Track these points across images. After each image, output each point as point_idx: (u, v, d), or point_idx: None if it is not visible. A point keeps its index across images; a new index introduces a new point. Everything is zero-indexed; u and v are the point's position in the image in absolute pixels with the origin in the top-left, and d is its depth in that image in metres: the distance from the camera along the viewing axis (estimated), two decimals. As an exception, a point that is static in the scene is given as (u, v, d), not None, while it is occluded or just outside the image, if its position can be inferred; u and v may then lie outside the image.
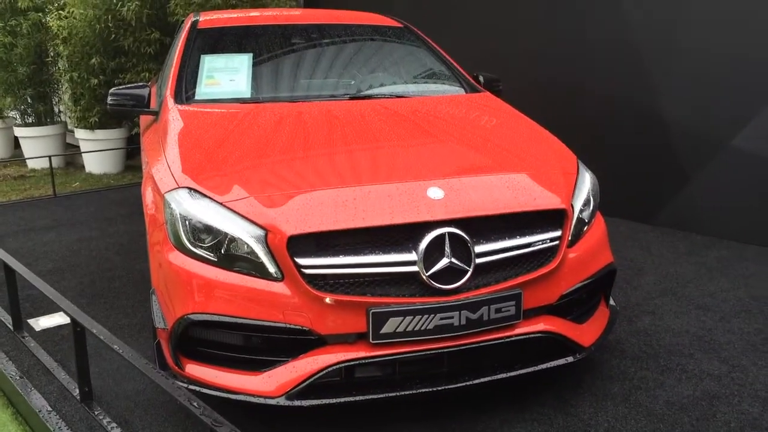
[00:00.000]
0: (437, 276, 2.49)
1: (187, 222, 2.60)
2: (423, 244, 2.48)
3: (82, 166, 8.61)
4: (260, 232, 2.50)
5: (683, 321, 3.68)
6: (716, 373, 3.11)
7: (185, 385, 2.57)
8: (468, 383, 2.59)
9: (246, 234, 2.51)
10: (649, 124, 5.42)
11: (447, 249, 2.50)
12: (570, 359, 2.78)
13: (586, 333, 2.88)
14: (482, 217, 2.59)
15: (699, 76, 5.07)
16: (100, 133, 8.16)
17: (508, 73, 5.12)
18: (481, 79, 4.26)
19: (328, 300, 2.44)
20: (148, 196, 3.02)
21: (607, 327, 3.03)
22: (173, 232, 2.65)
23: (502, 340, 2.64)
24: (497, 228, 2.65)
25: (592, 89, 5.77)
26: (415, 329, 2.49)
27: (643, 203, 5.54)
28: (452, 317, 2.51)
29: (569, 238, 2.77)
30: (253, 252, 2.50)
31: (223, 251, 2.55)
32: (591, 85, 5.77)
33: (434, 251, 2.50)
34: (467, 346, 2.58)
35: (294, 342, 2.51)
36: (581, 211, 2.86)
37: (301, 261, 2.45)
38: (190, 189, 2.68)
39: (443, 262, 2.50)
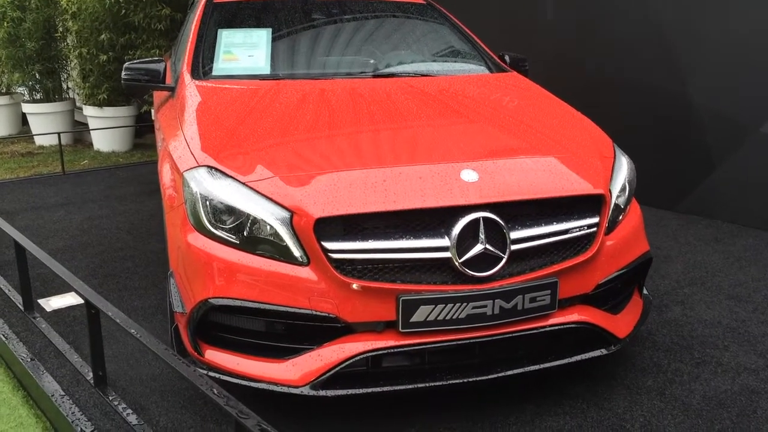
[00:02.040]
0: (470, 263, 2.37)
1: (207, 202, 2.48)
2: (456, 230, 2.36)
3: (90, 144, 8.49)
4: (285, 214, 2.37)
5: (715, 312, 3.55)
6: (753, 367, 2.99)
7: (205, 372, 2.47)
8: (500, 375, 2.48)
9: (270, 216, 2.39)
10: (674, 108, 5.27)
11: (481, 235, 2.38)
12: (604, 351, 2.67)
13: (621, 324, 2.76)
14: (518, 202, 2.46)
15: (726, 59, 4.91)
16: (108, 111, 8.03)
17: (532, 55, 4.96)
18: (506, 58, 4.12)
19: (355, 286, 2.32)
20: (165, 174, 2.90)
21: (641, 318, 2.91)
22: (193, 213, 2.53)
23: (536, 331, 2.52)
24: (533, 213, 2.52)
25: (616, 73, 5.61)
26: (447, 318, 2.37)
27: (668, 190, 5.39)
28: (485, 306, 2.39)
29: (606, 225, 2.64)
30: (277, 235, 2.38)
31: (245, 233, 2.43)
32: (615, 69, 5.61)
33: (468, 237, 2.38)
34: (500, 336, 2.46)
35: (320, 329, 2.40)
36: (618, 197, 2.73)
37: (329, 245, 2.33)
38: (211, 168, 2.56)
39: (477, 248, 2.37)
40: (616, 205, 2.72)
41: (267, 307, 2.38)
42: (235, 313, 2.45)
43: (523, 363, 2.54)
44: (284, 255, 2.39)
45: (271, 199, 2.40)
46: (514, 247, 2.43)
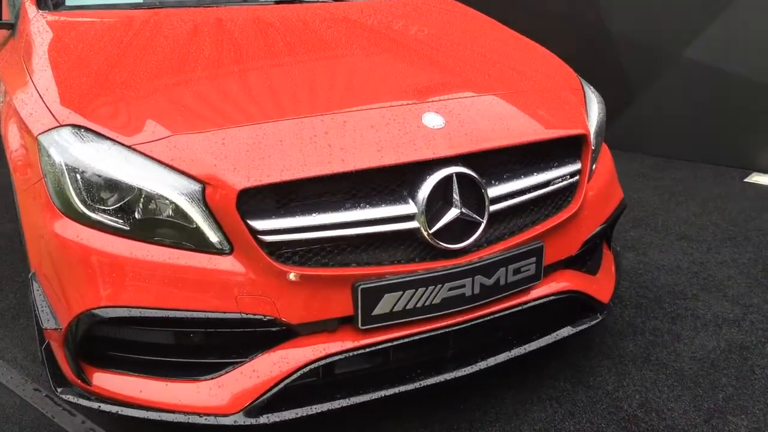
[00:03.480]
0: (441, 233, 1.84)
1: (78, 176, 1.79)
2: (424, 191, 1.81)
3: None
4: (194, 187, 1.73)
5: (670, 256, 3.25)
6: (731, 317, 2.69)
7: (96, 406, 1.82)
8: (481, 367, 2.00)
9: (172, 190, 1.73)
10: (590, 37, 4.92)
11: (456, 196, 1.84)
12: (591, 322, 2.24)
13: (602, 286, 2.35)
14: (494, 151, 1.94)
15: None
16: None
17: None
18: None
19: (292, 276, 1.74)
20: (12, 138, 2.14)
21: (617, 276, 2.51)
22: (58, 192, 1.82)
23: (521, 307, 2.05)
24: (509, 165, 2.02)
25: (531, 3, 5.18)
26: (417, 306, 1.85)
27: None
28: (464, 286, 1.89)
29: (589, 172, 2.19)
30: (183, 215, 1.74)
31: (137, 215, 1.76)
32: (524, -7, 5.17)
33: (436, 200, 1.84)
34: (479, 321, 1.97)
35: (253, 336, 1.81)
36: (595, 137, 2.28)
37: (258, 224, 1.71)
38: (78, 127, 1.85)
39: (452, 213, 1.84)
40: (593, 149, 2.27)
41: (177, 314, 1.75)
42: (133, 326, 1.80)
43: (506, 347, 2.08)
44: (196, 242, 1.75)
45: (171, 167, 1.74)
46: (492, 208, 1.91)
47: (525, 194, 2.00)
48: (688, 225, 3.61)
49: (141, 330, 1.81)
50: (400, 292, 1.81)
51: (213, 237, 1.74)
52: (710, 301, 2.82)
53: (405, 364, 1.95)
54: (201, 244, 1.75)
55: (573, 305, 2.21)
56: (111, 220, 1.78)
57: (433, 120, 1.90)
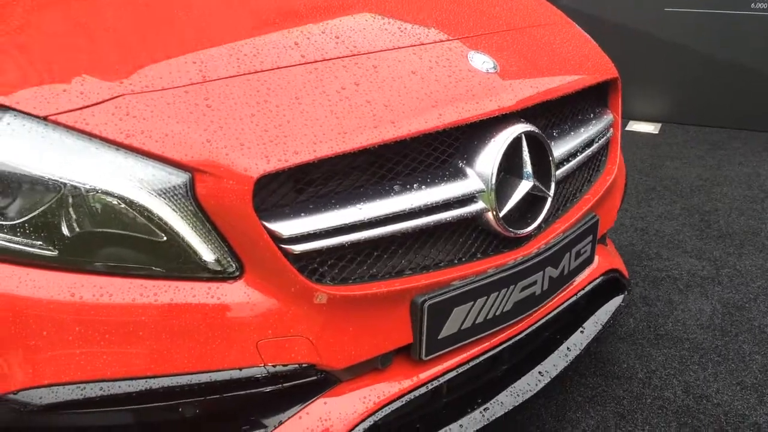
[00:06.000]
0: (508, 215, 1.35)
1: (-52, 174, 1.04)
2: (492, 159, 1.30)
3: None
4: (175, 178, 1.07)
5: (609, 213, 3.03)
6: (705, 273, 2.51)
7: None
8: (544, 384, 1.55)
9: (133, 184, 1.06)
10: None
11: (527, 163, 1.35)
12: (623, 301, 1.89)
13: (617, 258, 2.00)
14: (555, 101, 1.48)
15: None
16: None
17: None
18: None
19: (319, 299, 1.16)
20: None
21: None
22: None
23: (575, 299, 1.63)
24: (554, 118, 1.57)
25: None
26: (488, 318, 1.35)
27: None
28: (535, 283, 1.42)
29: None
30: (153, 222, 1.07)
31: (66, 230, 1.07)
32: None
33: (499, 171, 1.34)
34: (542, 322, 1.53)
35: (277, 396, 1.19)
36: None
37: (279, 228, 1.10)
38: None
39: (523, 187, 1.35)
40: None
41: (158, 383, 1.09)
42: (79, 410, 1.10)
43: (556, 349, 1.64)
44: (176, 265, 1.10)
45: (127, 147, 1.06)
46: (557, 174, 1.46)
47: (577, 156, 1.57)
48: (606, 179, 3.43)
49: (92, 414, 1.12)
50: (471, 303, 1.30)
51: (208, 254, 1.10)
52: (675, 258, 2.62)
53: (459, 393, 1.45)
54: (186, 267, 1.10)
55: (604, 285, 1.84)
56: (20, 243, 1.06)
57: (482, 61, 1.38)
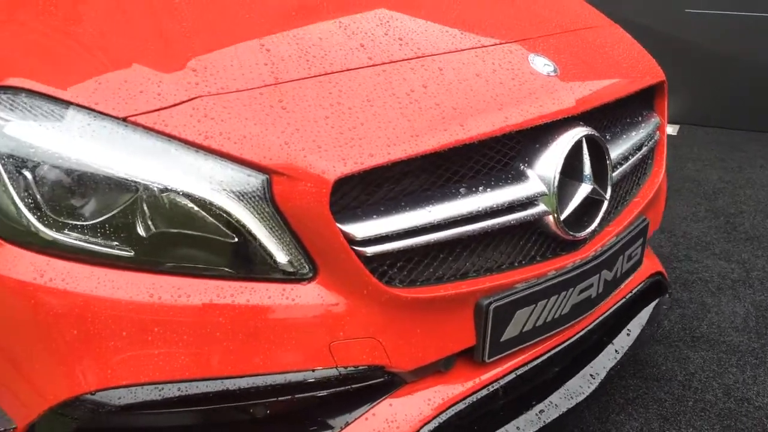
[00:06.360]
0: (569, 218, 1.36)
1: (27, 174, 1.05)
2: (554, 162, 1.31)
3: None
4: (253, 179, 1.07)
5: (635, 215, 3.03)
6: (736, 276, 2.51)
7: None
8: (596, 385, 1.55)
9: (211, 186, 1.06)
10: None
11: (587, 166, 1.36)
12: (665, 302, 1.89)
13: (657, 260, 2.01)
14: (611, 105, 1.48)
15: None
16: None
17: None
18: None
19: (405, 300, 1.16)
20: None
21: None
22: (-13, 202, 1.07)
23: (624, 301, 1.64)
24: (607, 121, 1.58)
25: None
26: (547, 320, 1.36)
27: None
28: (591, 286, 1.43)
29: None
30: (229, 224, 1.08)
31: (141, 231, 1.07)
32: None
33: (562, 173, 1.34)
34: (595, 324, 1.53)
35: (343, 397, 1.20)
36: None
37: (353, 230, 1.11)
38: (14, 91, 1.09)
39: (583, 190, 1.36)
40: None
41: (230, 384, 1.09)
42: (154, 411, 1.11)
43: (604, 349, 1.64)
44: (247, 265, 1.11)
45: (206, 149, 1.07)
46: (614, 176, 1.47)
47: (629, 159, 1.57)
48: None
49: (165, 415, 1.12)
50: (533, 306, 1.31)
51: (281, 255, 1.11)
52: (704, 261, 2.63)
53: (515, 395, 1.45)
54: (259, 269, 1.11)
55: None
56: (98, 243, 1.06)
57: (543, 64, 1.39)
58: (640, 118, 1.69)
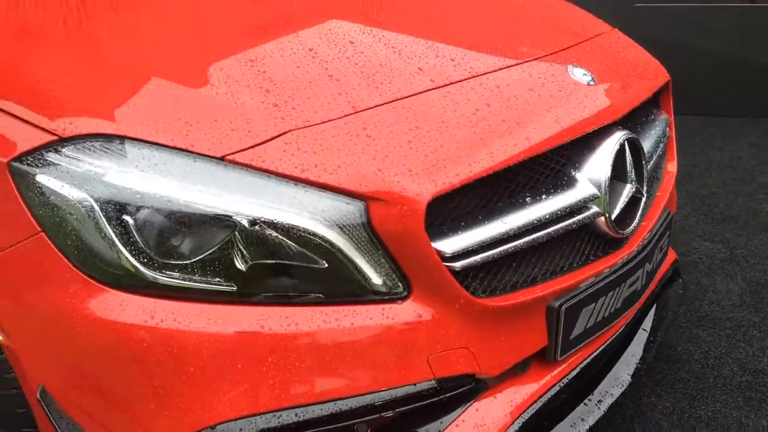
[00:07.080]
0: (617, 217, 1.45)
1: (127, 218, 1.07)
2: (603, 166, 1.39)
3: None
4: (351, 207, 1.11)
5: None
6: (723, 256, 2.67)
7: None
8: (634, 368, 1.65)
9: (310, 216, 1.10)
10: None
11: (630, 168, 1.45)
12: (682, 284, 2.01)
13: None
14: (637, 107, 1.58)
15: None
16: None
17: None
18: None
19: (489, 309, 1.23)
20: None
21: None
22: (83, 249, 1.08)
23: (657, 289, 1.75)
24: (636, 121, 1.68)
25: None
26: (605, 315, 1.45)
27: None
28: (638, 279, 1.52)
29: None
30: (325, 251, 1.12)
31: (239, 264, 1.10)
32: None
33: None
34: (633, 317, 1.63)
35: (435, 406, 1.25)
36: None
37: (443, 246, 1.17)
38: (107, 138, 1.10)
39: (627, 190, 1.45)
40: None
41: (346, 404, 1.13)
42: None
43: (636, 336, 1.75)
44: (342, 289, 1.15)
45: (304, 181, 1.10)
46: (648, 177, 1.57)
47: (653, 156, 1.67)
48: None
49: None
50: (594, 303, 1.39)
51: (376, 277, 1.15)
52: (691, 243, 2.78)
53: (574, 389, 1.53)
54: (353, 292, 1.15)
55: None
56: (201, 281, 1.09)
57: (582, 74, 1.47)
58: (653, 117, 1.80)
